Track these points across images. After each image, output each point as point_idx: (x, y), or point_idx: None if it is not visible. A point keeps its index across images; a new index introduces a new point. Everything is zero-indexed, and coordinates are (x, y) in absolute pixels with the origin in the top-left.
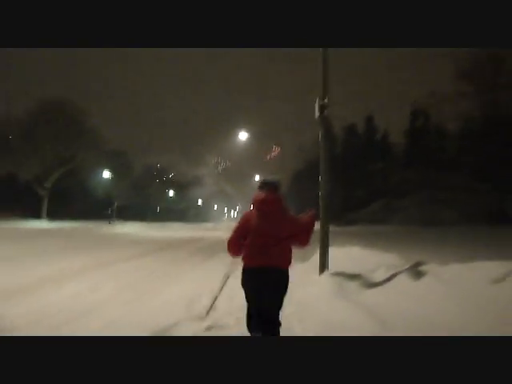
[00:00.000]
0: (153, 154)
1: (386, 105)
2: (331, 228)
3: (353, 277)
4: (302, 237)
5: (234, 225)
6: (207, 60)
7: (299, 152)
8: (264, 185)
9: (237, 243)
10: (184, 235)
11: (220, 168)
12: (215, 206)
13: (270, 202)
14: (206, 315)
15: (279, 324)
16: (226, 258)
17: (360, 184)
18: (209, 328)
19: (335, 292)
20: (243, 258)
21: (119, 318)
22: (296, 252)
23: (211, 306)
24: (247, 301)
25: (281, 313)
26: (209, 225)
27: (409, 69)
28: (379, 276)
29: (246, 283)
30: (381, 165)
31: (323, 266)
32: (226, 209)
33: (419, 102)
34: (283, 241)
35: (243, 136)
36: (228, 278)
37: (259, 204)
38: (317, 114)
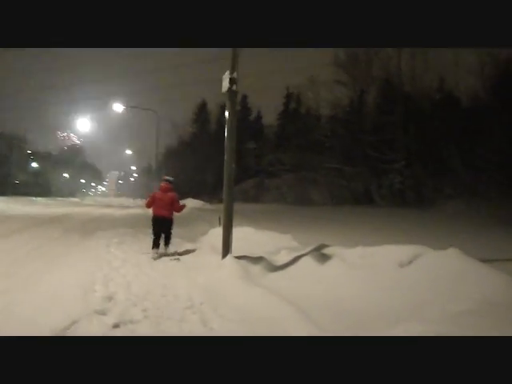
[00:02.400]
0: (10, 122)
1: (263, 90)
2: (207, 206)
3: (256, 260)
4: (175, 208)
5: (102, 200)
6: None
7: (173, 128)
8: (165, 180)
9: (150, 204)
10: (51, 211)
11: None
12: (82, 180)
13: (166, 188)
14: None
15: (170, 236)
16: (104, 238)
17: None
18: (116, 325)
19: (242, 277)
20: (152, 211)
21: None
22: (183, 233)
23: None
24: (153, 230)
25: (171, 232)
26: (75, 200)
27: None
28: (282, 259)
29: (153, 222)
30: (254, 144)
31: (227, 249)
32: (93, 183)
33: (295, 86)
34: (168, 205)
35: (118, 108)
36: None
37: (162, 188)
38: (225, 87)
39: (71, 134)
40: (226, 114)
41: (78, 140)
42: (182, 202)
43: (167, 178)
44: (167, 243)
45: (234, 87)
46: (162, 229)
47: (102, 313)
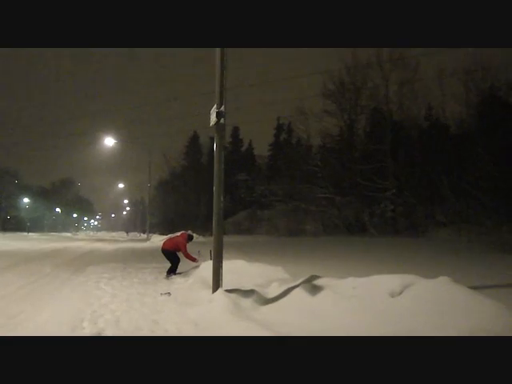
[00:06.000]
0: (1, 156)
1: (255, 121)
2: (200, 239)
3: (247, 293)
4: (182, 250)
5: (94, 234)
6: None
7: (166, 161)
8: (186, 232)
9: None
10: (44, 247)
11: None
12: (74, 214)
13: (181, 235)
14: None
15: (173, 267)
16: (95, 274)
17: (225, 194)
18: None
19: (233, 311)
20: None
21: None
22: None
23: None
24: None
25: (174, 264)
26: (68, 234)
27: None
28: (273, 291)
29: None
30: (246, 176)
31: (217, 283)
32: (85, 218)
33: (286, 117)
34: (172, 242)
35: (109, 142)
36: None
37: (180, 234)
38: (213, 121)
39: None
40: (215, 147)
41: None
42: (198, 258)
43: (189, 231)
44: (168, 271)
45: (222, 121)
46: (166, 258)
47: None
